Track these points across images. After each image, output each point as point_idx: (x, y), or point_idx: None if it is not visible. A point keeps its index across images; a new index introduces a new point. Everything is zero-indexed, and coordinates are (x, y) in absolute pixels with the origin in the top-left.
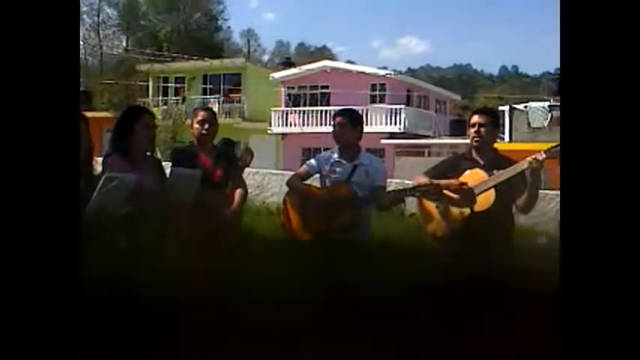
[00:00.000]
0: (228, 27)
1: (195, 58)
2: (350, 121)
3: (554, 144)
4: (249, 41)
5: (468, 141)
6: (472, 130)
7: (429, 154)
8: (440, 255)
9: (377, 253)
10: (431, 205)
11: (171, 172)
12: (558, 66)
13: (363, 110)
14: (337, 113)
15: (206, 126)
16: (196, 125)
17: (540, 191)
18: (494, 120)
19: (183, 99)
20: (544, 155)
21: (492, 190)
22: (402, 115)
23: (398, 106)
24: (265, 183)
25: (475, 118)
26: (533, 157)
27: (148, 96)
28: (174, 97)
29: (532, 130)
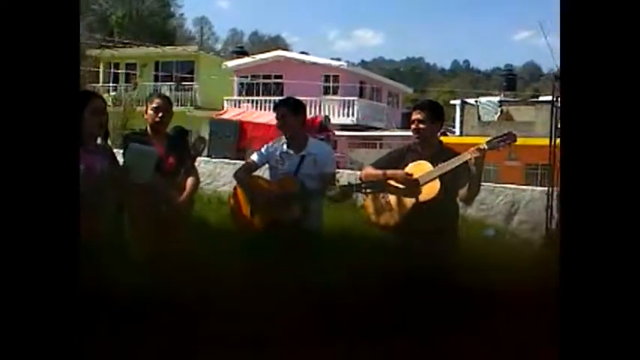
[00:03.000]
0: (182, 14)
1: (148, 44)
2: (291, 110)
3: (496, 136)
4: (202, 29)
5: None
6: (412, 125)
7: (382, 146)
8: (388, 245)
9: (327, 244)
10: (378, 196)
11: (129, 148)
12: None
13: (316, 101)
14: (277, 104)
15: (160, 114)
16: (151, 112)
17: (489, 184)
18: (433, 114)
19: (135, 86)
20: (485, 147)
21: (437, 181)
22: (355, 107)
23: (351, 98)
24: (217, 172)
25: (415, 114)
26: (475, 148)
27: (98, 82)
28: (125, 84)
29: (482, 124)
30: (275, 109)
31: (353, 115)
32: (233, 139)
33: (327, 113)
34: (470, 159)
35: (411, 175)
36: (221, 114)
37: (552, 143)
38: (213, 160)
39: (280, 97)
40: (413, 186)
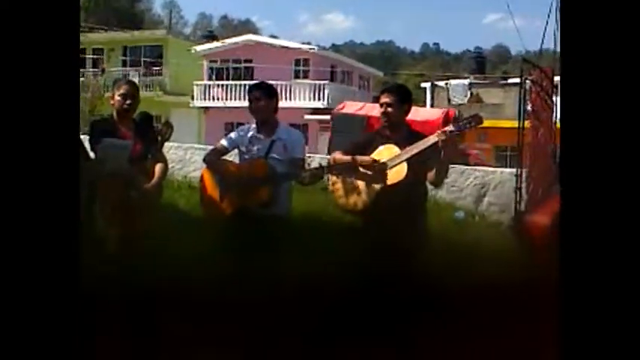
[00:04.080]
0: None
1: (115, 29)
2: (265, 95)
3: (463, 118)
4: (170, 12)
5: None
6: (381, 109)
7: None
8: (356, 228)
9: (296, 227)
10: (346, 180)
11: (102, 143)
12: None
13: (286, 85)
14: (251, 88)
15: (128, 100)
16: (118, 98)
17: (459, 167)
18: (402, 97)
19: (102, 71)
20: (452, 128)
21: (404, 164)
22: (326, 91)
23: (322, 82)
24: (187, 157)
25: (383, 98)
26: (442, 130)
27: None
28: (92, 69)
29: (453, 107)
30: (249, 93)
31: (324, 98)
32: None
33: (297, 97)
34: (437, 141)
35: (379, 160)
36: (340, 109)
37: (521, 125)
38: (184, 145)
39: (250, 82)
40: (381, 170)
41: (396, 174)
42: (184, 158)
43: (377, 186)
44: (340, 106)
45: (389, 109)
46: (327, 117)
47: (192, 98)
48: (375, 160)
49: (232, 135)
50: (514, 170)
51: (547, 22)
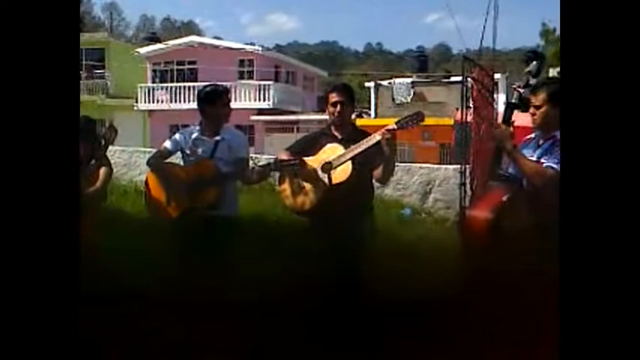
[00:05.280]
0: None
1: None
2: (217, 96)
3: (405, 116)
4: (111, 14)
5: None
6: (332, 108)
7: (298, 129)
8: (304, 228)
9: (244, 228)
10: (293, 180)
11: None
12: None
13: (231, 86)
14: (202, 89)
15: None
16: None
17: (405, 164)
18: (351, 96)
19: None
20: (395, 126)
21: (349, 163)
22: (271, 92)
23: (266, 82)
24: (132, 161)
25: (334, 96)
26: (385, 128)
27: None
28: None
29: (397, 106)
30: (198, 95)
31: (269, 99)
32: None
33: (242, 98)
34: (381, 139)
35: (323, 161)
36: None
37: (463, 122)
38: (129, 149)
39: (195, 84)
40: (326, 169)
41: (342, 173)
42: (129, 162)
43: (324, 186)
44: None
45: (342, 107)
46: (274, 118)
47: (137, 101)
48: (327, 162)
49: (176, 137)
50: (458, 167)
51: (485, 21)
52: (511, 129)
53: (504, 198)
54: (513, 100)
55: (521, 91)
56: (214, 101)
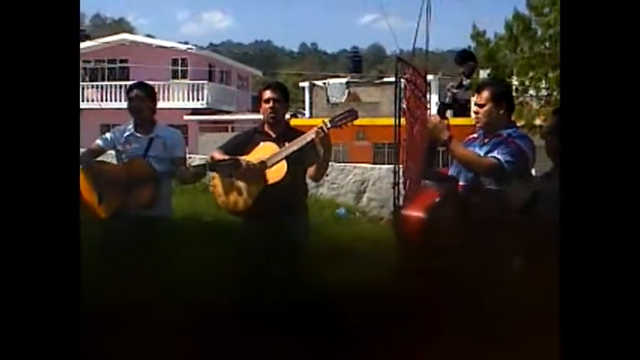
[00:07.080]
0: None
1: None
2: (145, 94)
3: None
4: None
5: None
6: (266, 105)
7: (233, 129)
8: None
9: (179, 229)
10: (226, 180)
11: None
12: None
13: (164, 85)
14: (131, 86)
15: None
16: None
17: (339, 164)
18: (285, 94)
19: None
20: (329, 125)
21: (284, 162)
22: (205, 91)
23: (200, 82)
24: None
25: (268, 94)
26: (319, 126)
27: None
28: None
29: (331, 106)
30: (128, 92)
31: (203, 98)
32: None
33: (176, 97)
34: (314, 138)
35: (257, 160)
36: None
37: (397, 123)
38: None
39: (126, 82)
40: (260, 169)
41: (276, 172)
42: None
43: (258, 186)
44: None
45: (276, 104)
46: (208, 117)
47: None
48: (262, 162)
49: (108, 135)
50: (392, 166)
51: (418, 23)
52: (445, 122)
53: (437, 199)
54: (447, 101)
55: (455, 91)
56: (141, 97)
